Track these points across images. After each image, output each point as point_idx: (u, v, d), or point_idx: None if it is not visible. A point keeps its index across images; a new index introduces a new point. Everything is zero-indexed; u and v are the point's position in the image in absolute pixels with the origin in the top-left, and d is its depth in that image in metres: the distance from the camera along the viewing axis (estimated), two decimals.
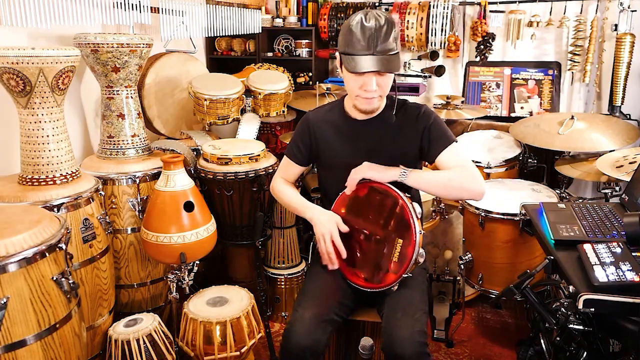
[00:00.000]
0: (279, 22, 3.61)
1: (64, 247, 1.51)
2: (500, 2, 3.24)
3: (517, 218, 2.11)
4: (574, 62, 3.14)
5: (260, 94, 2.67)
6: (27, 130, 1.79)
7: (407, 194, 1.60)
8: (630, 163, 2.09)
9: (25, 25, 1.87)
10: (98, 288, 1.91)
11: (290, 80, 2.93)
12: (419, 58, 3.44)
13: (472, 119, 3.05)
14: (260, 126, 2.75)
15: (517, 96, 3.31)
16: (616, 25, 2.98)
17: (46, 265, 1.44)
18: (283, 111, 2.83)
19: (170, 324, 2.09)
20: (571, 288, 1.26)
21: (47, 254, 1.44)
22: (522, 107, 3.30)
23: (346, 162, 1.74)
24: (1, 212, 1.55)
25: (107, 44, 2.04)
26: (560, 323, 1.44)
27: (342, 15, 3.48)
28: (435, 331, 2.48)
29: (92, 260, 1.87)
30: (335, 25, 3.49)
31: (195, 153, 2.40)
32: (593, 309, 1.22)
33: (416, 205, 1.58)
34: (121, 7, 2.27)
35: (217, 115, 2.53)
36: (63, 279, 1.48)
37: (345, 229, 1.65)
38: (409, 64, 3.51)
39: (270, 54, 3.66)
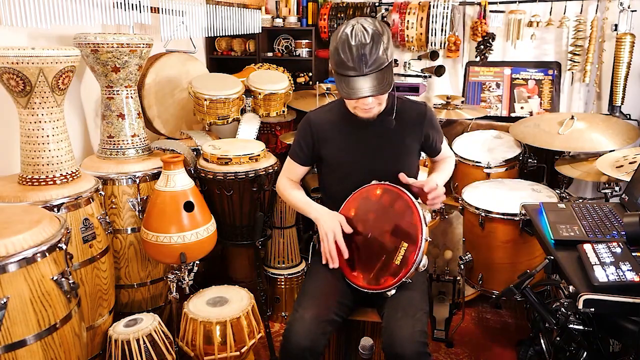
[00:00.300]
0: (279, 22, 3.61)
1: (64, 247, 1.51)
2: (500, 2, 3.24)
3: (517, 218, 2.11)
4: (574, 62, 3.14)
5: (260, 94, 2.67)
6: (27, 130, 1.79)
7: (418, 200, 1.63)
8: (630, 163, 2.09)
9: (25, 25, 1.87)
10: (98, 288, 1.91)
11: (290, 80, 2.93)
12: (419, 58, 3.44)
13: (472, 119, 3.04)
14: (260, 126, 2.75)
15: (517, 96, 3.31)
16: (616, 25, 2.98)
17: (46, 265, 1.44)
18: (283, 111, 2.83)
19: (170, 324, 2.09)
20: (571, 288, 1.26)
21: (47, 254, 1.44)
22: (522, 107, 3.30)
23: (347, 161, 1.75)
24: (1, 212, 1.55)
25: (107, 44, 2.04)
26: (560, 323, 1.44)
27: (342, 15, 3.47)
28: (435, 331, 2.48)
29: (92, 260, 1.87)
30: (335, 25, 3.48)
31: (195, 153, 2.40)
32: (593, 309, 1.22)
33: (427, 212, 1.60)
34: (121, 7, 2.27)
35: (217, 115, 2.53)
36: (63, 279, 1.48)
37: (349, 229, 1.65)
38: (409, 64, 3.51)
39: (270, 54, 3.65)
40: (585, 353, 1.47)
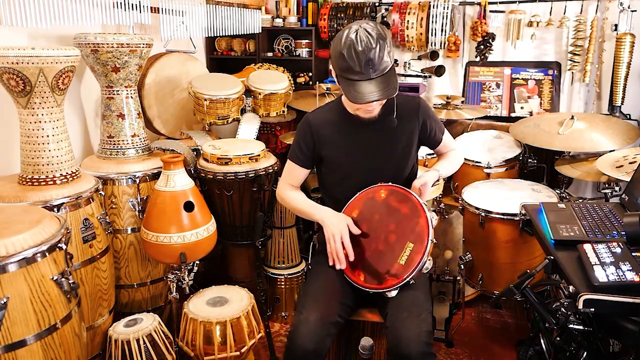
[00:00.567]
0: (279, 22, 3.61)
1: (64, 247, 1.51)
2: (500, 2, 3.24)
3: (517, 218, 2.11)
4: (574, 62, 3.14)
5: (260, 94, 2.67)
6: (27, 130, 1.79)
7: (425, 201, 1.64)
8: (630, 163, 2.09)
9: (25, 25, 1.87)
10: (98, 288, 1.91)
11: (290, 80, 2.93)
12: (419, 58, 3.44)
13: (472, 119, 3.04)
14: (260, 126, 2.75)
15: (517, 96, 3.31)
16: (616, 25, 2.98)
17: (46, 265, 1.44)
18: (283, 111, 2.83)
19: (170, 324, 2.09)
20: (571, 288, 1.26)
21: (47, 254, 1.44)
22: (522, 107, 3.30)
23: (348, 161, 1.75)
24: (1, 212, 1.55)
25: (107, 44, 2.04)
26: (560, 323, 1.44)
27: (342, 15, 3.47)
28: (435, 331, 2.48)
29: (92, 260, 1.87)
30: (335, 25, 3.48)
31: (195, 153, 2.40)
32: (593, 309, 1.22)
33: (434, 214, 1.60)
34: (121, 7, 2.27)
35: (217, 115, 2.53)
36: (63, 279, 1.48)
37: (356, 230, 1.65)
38: (409, 64, 3.50)
39: (270, 54, 3.65)
40: (585, 353, 1.47)
